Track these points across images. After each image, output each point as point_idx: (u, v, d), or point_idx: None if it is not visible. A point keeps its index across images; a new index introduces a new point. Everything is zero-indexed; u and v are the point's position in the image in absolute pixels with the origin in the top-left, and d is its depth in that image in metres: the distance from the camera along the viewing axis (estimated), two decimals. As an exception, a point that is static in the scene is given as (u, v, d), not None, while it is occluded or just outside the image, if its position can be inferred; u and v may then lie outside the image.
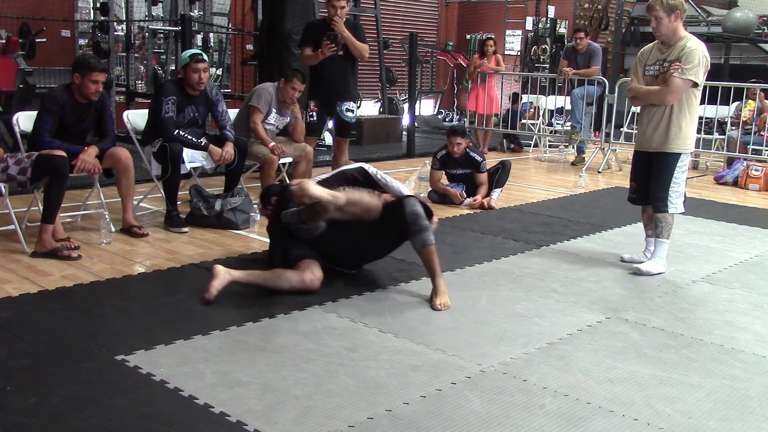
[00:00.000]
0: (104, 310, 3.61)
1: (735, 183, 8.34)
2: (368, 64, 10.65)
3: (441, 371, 3.04)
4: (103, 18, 10.34)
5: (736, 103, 9.44)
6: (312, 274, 3.87)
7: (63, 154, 4.54)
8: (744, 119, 9.28)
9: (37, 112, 4.76)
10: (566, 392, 2.89)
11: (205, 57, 5.39)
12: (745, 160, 8.39)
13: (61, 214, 4.74)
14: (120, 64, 11.00)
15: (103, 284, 4.03)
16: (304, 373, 2.97)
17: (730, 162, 8.90)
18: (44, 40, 9.55)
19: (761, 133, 8.82)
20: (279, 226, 4.13)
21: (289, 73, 6.05)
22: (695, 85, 4.35)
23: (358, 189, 3.99)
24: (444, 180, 6.79)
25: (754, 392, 2.97)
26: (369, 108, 12.96)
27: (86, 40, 11.05)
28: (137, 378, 2.88)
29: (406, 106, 11.07)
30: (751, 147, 8.71)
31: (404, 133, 10.58)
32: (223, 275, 3.75)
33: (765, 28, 14.32)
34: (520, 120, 10.85)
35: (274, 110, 5.99)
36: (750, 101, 9.29)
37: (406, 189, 4.22)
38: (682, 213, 4.65)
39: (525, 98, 11.70)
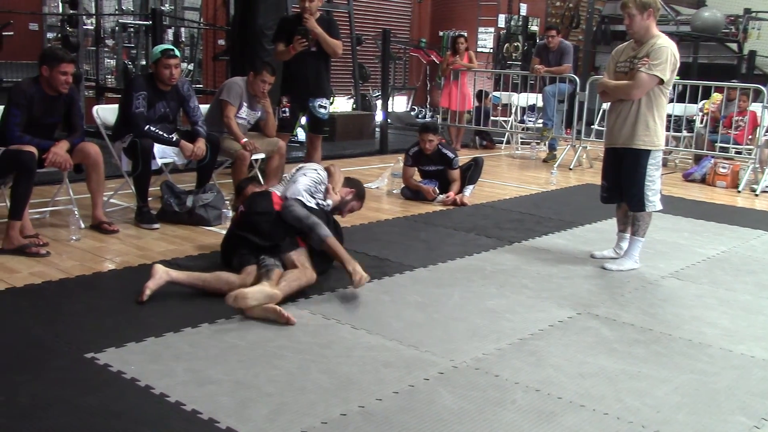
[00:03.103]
0: (73, 308, 3.57)
1: (703, 180, 8.47)
2: (341, 60, 10.61)
3: (414, 367, 3.05)
4: (72, 11, 10.19)
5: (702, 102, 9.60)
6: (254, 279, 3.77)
7: (30, 149, 4.47)
8: (705, 112, 9.40)
9: (4, 106, 4.68)
10: (538, 387, 2.92)
11: (177, 52, 5.33)
12: (712, 158, 8.52)
13: (29, 210, 4.67)
14: (89, 58, 10.84)
15: (73, 281, 3.98)
16: (277, 370, 2.96)
17: (697, 159, 9.03)
18: (11, 33, 9.39)
19: (729, 131, 8.96)
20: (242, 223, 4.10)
21: (258, 65, 5.98)
22: (662, 82, 4.39)
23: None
24: (417, 176, 6.80)
25: (721, 386, 3.02)
26: (342, 104, 12.92)
27: (55, 34, 10.88)
28: (107, 376, 2.84)
29: (379, 102, 11.07)
30: (718, 145, 8.84)
31: (377, 129, 10.58)
32: (161, 275, 3.69)
33: (732, 27, 14.52)
34: (490, 116, 10.90)
35: (245, 104, 5.95)
36: (716, 95, 9.43)
37: (298, 193, 4.16)
38: (660, 210, 4.69)
39: (497, 94, 11.76)
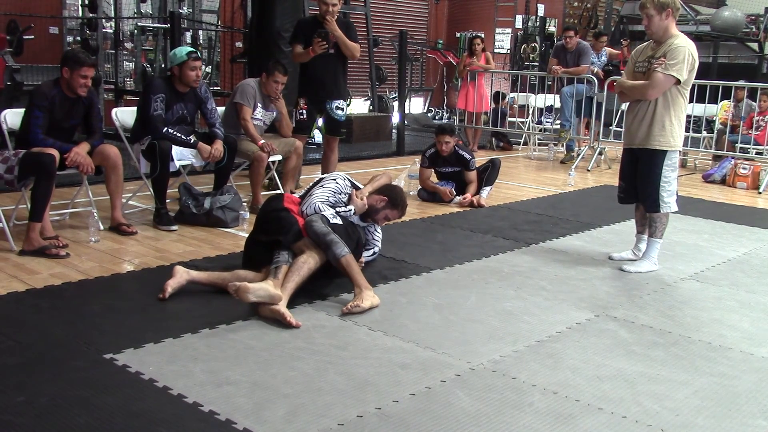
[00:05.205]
0: (93, 309, 3.60)
1: (723, 181, 8.39)
2: (358, 62, 10.62)
3: (430, 369, 3.04)
4: (91, 15, 10.28)
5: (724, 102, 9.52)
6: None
7: (51, 152, 4.51)
8: (720, 121, 9.33)
9: (25, 109, 4.72)
10: (555, 390, 2.90)
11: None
12: (733, 158, 8.43)
13: (49, 212, 4.72)
14: (108, 61, 10.94)
15: (92, 282, 4.01)
16: (294, 372, 2.97)
17: (716, 158, 8.94)
18: (32, 37, 9.49)
19: (749, 131, 8.87)
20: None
21: (270, 66, 5.97)
22: (679, 82, 4.36)
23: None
24: (433, 178, 6.79)
25: (742, 389, 2.99)
26: (359, 106, 12.94)
27: (74, 37, 10.98)
28: (126, 376, 2.87)
29: (395, 104, 11.07)
30: (738, 146, 8.75)
31: (394, 131, 10.58)
32: (181, 275, 3.79)
33: (753, 27, 14.39)
34: (507, 117, 10.88)
35: (259, 105, 5.96)
36: (724, 102, 9.36)
37: (314, 207, 4.10)
38: (675, 212, 4.66)
39: (512, 95, 11.74)
